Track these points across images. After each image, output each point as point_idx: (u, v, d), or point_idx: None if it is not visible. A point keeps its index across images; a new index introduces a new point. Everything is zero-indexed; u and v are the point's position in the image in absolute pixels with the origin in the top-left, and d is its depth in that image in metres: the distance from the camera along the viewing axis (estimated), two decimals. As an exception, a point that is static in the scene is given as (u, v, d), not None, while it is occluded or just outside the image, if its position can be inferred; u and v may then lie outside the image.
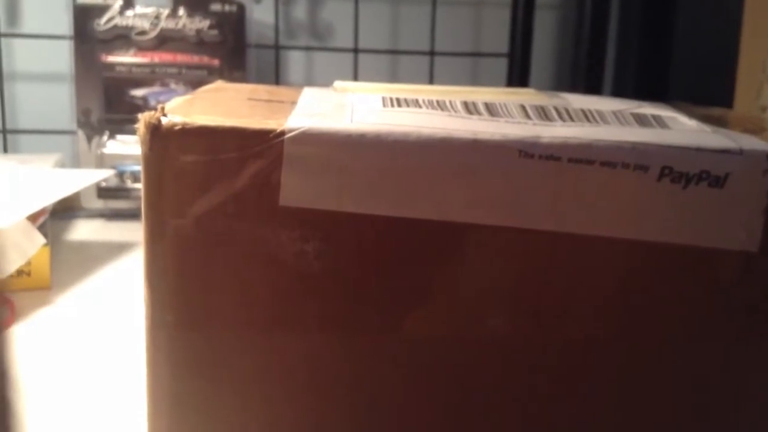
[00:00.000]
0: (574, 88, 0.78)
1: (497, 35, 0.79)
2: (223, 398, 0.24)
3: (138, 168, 0.64)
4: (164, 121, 0.22)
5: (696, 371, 0.25)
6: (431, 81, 0.78)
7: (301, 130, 0.22)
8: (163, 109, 0.23)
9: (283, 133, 0.22)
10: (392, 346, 0.24)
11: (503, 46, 0.77)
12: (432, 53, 0.77)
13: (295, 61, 0.77)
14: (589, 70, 0.74)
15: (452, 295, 0.24)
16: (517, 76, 0.74)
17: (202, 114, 0.23)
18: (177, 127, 0.22)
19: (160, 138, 0.22)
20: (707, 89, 0.66)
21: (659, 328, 0.25)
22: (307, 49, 0.77)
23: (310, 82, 0.77)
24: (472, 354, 0.24)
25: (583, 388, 0.25)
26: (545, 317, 0.24)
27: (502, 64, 0.77)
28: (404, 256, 0.24)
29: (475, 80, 0.80)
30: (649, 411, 0.25)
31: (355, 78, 0.76)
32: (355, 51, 0.75)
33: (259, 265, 0.23)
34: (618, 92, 0.78)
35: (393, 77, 0.78)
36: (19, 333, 0.40)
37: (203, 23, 0.65)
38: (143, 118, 0.22)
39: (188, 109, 0.23)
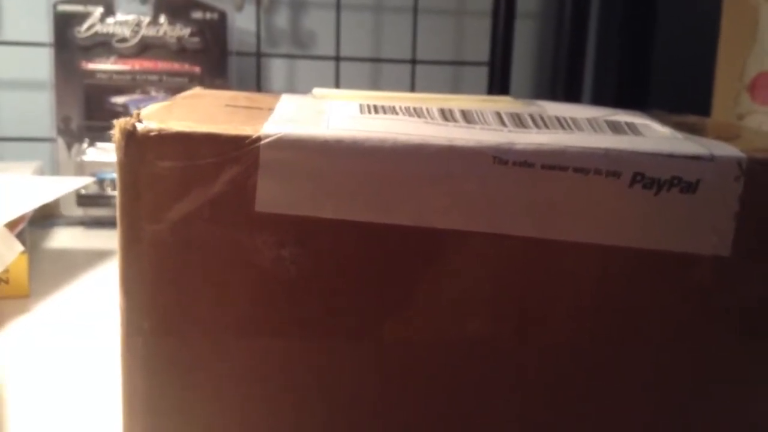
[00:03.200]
0: (553, 95, 0.78)
1: (478, 44, 0.79)
2: (200, 404, 0.24)
3: (118, 175, 0.64)
4: (139, 127, 0.22)
5: (673, 373, 0.26)
6: (413, 89, 0.78)
7: (277, 136, 0.22)
8: (138, 115, 0.23)
9: (259, 138, 0.22)
10: (370, 350, 0.24)
11: (484, 55, 0.78)
12: (413, 61, 0.77)
13: (276, 68, 0.77)
14: (568, 78, 0.75)
15: (430, 299, 0.24)
16: (498, 84, 0.74)
17: (178, 120, 0.23)
18: (153, 133, 0.22)
19: (135, 144, 0.22)
20: (686, 97, 0.67)
21: (635, 331, 0.25)
22: (289, 56, 0.77)
23: (292, 89, 0.77)
24: (451, 358, 0.25)
25: (562, 392, 0.25)
26: (523, 322, 0.25)
27: (483, 73, 0.78)
28: (381, 261, 0.24)
29: (456, 88, 0.80)
30: (627, 413, 0.26)
31: (337, 86, 0.76)
32: (337, 59, 0.76)
33: (235, 270, 0.23)
34: (597, 100, 0.79)
35: (375, 85, 0.79)
36: (-4, 341, 0.39)
37: (184, 31, 0.65)
38: (118, 124, 0.22)
39: (164, 115, 0.23)
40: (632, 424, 0.26)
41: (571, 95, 0.75)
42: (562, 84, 0.75)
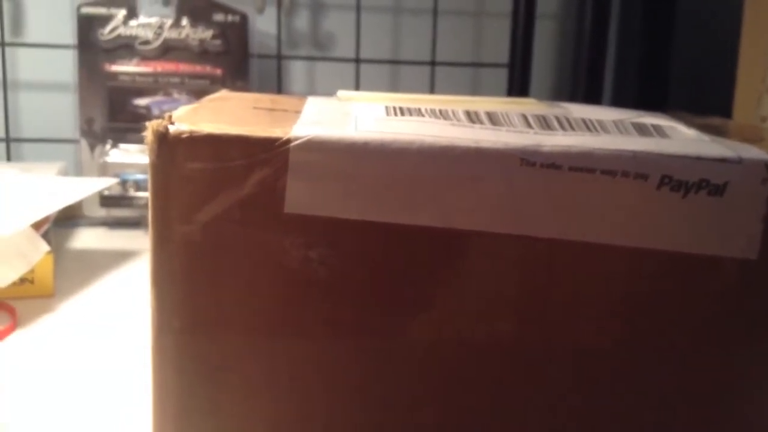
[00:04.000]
0: (573, 97, 0.78)
1: (498, 45, 0.79)
2: (230, 403, 0.24)
3: (140, 177, 0.64)
4: (171, 129, 0.22)
5: (697, 377, 0.26)
6: (432, 91, 0.78)
7: (307, 138, 0.23)
8: (170, 117, 0.23)
9: (288, 141, 0.23)
10: (397, 350, 0.24)
11: (504, 56, 0.78)
12: (433, 63, 0.77)
13: (297, 70, 0.77)
14: (588, 80, 0.74)
15: (455, 300, 0.24)
16: (518, 86, 0.74)
17: (208, 122, 0.23)
18: (184, 135, 0.22)
19: (167, 146, 0.23)
20: (706, 99, 0.67)
21: (660, 333, 0.25)
22: (309, 59, 0.77)
23: (312, 91, 0.78)
24: (476, 358, 0.25)
25: (585, 393, 0.25)
26: (547, 323, 0.25)
27: (503, 74, 0.78)
28: (408, 262, 0.24)
29: (475, 90, 0.80)
30: (650, 416, 0.26)
31: (357, 87, 0.77)
32: (357, 61, 0.76)
33: (264, 270, 0.23)
34: (618, 102, 0.79)
35: (394, 87, 0.79)
36: (22, 340, 0.40)
37: (206, 33, 0.66)
38: (151, 126, 0.23)
39: (195, 117, 0.24)
40: (656, 425, 0.26)
41: (591, 96, 0.75)
42: (582, 85, 0.75)
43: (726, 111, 0.57)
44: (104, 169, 0.65)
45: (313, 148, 0.23)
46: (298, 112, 0.26)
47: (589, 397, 0.25)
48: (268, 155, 0.23)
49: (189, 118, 0.23)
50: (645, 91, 0.75)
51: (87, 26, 0.65)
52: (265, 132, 0.23)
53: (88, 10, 0.65)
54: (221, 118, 0.24)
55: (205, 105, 0.27)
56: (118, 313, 0.44)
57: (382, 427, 0.25)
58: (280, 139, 0.23)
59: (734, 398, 0.26)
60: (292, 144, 0.23)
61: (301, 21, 0.77)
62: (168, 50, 0.66)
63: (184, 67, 0.66)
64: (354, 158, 0.23)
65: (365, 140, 0.23)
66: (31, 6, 0.72)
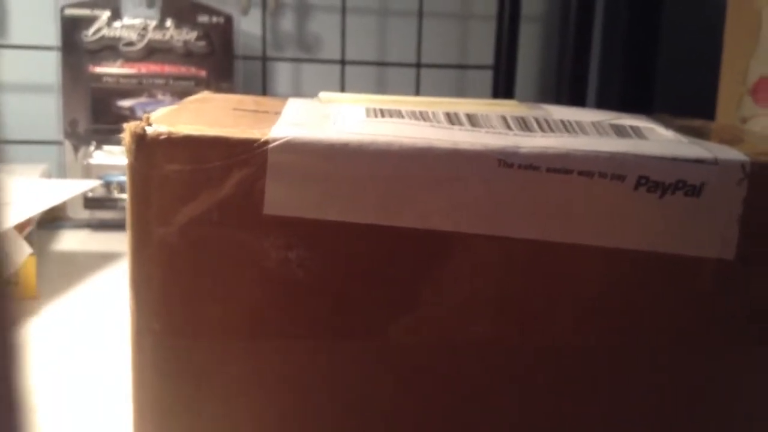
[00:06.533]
0: (558, 99, 0.78)
1: (483, 47, 0.79)
2: (209, 405, 0.24)
3: (124, 178, 0.64)
4: (149, 130, 0.22)
5: (676, 377, 0.26)
6: (418, 93, 0.78)
7: (285, 139, 0.23)
8: (148, 118, 0.23)
9: (267, 142, 0.23)
10: (377, 352, 0.24)
11: (489, 58, 0.78)
12: (418, 65, 0.77)
13: (282, 72, 0.77)
14: (573, 81, 0.75)
15: (436, 302, 0.24)
16: (503, 88, 0.74)
17: (187, 123, 0.23)
18: (162, 137, 0.22)
19: (145, 147, 0.23)
20: (691, 101, 0.67)
21: (639, 335, 0.25)
22: (295, 60, 0.77)
23: (298, 93, 0.77)
24: (457, 360, 0.25)
25: (565, 393, 0.25)
26: (527, 324, 0.25)
27: (488, 76, 0.78)
28: (388, 263, 0.24)
29: (461, 92, 0.80)
30: (630, 417, 0.26)
31: (342, 89, 0.77)
32: (342, 63, 0.76)
33: (243, 272, 0.23)
34: (602, 104, 0.79)
35: (380, 89, 0.79)
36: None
37: (191, 34, 0.66)
38: (128, 127, 0.23)
39: (173, 118, 0.24)
40: (635, 426, 0.26)
41: (576, 99, 0.75)
42: (566, 88, 0.76)
43: (710, 113, 0.58)
44: (88, 171, 0.65)
45: (292, 149, 0.23)
46: (278, 113, 0.26)
47: (570, 398, 0.25)
48: (246, 156, 0.23)
49: (167, 119, 0.23)
50: (630, 94, 0.75)
51: (71, 28, 0.64)
52: (243, 133, 0.23)
53: (71, 11, 0.64)
54: (200, 120, 0.24)
55: (185, 106, 0.27)
56: (101, 316, 0.44)
57: (363, 428, 0.25)
58: (258, 140, 0.23)
59: (712, 397, 0.26)
60: (271, 145, 0.23)
61: (287, 22, 0.77)
62: (152, 52, 0.66)
63: (168, 69, 0.66)
64: (333, 159, 0.23)
65: (344, 141, 0.23)
66: (15, 7, 0.72)
